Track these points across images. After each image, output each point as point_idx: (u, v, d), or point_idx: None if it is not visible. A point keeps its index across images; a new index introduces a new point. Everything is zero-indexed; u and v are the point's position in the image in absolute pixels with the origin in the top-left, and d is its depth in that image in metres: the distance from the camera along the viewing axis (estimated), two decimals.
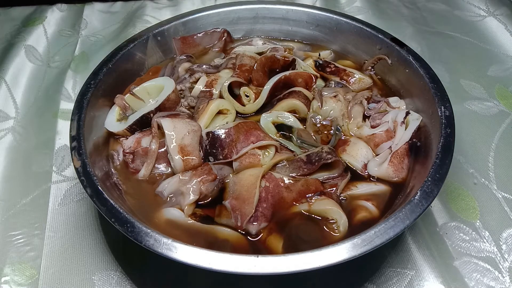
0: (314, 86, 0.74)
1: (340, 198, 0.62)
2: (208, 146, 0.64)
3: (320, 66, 0.79)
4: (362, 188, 0.63)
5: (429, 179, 0.55)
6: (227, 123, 0.68)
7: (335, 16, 0.83)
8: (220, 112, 0.70)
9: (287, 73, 0.74)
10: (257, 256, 0.48)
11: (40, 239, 0.67)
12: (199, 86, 0.74)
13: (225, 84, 0.72)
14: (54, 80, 0.93)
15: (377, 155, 0.66)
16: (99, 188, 0.56)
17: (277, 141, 0.65)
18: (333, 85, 0.75)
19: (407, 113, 0.68)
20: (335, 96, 0.70)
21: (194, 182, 0.60)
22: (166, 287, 0.62)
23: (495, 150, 0.78)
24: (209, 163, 0.63)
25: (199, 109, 0.70)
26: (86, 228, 0.68)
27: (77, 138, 0.62)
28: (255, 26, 0.89)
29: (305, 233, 0.58)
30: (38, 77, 0.94)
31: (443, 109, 0.63)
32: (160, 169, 0.65)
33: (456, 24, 1.07)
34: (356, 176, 0.65)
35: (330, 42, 0.86)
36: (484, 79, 0.92)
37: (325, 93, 0.71)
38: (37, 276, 0.63)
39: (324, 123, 0.69)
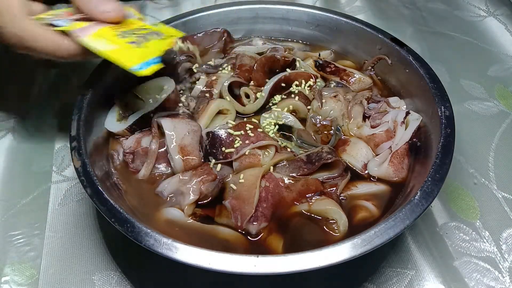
0: (314, 86, 0.74)
1: (340, 198, 0.62)
2: (208, 146, 0.64)
3: (320, 66, 0.79)
4: (362, 188, 0.63)
5: (429, 179, 0.55)
6: (227, 123, 0.68)
7: (335, 16, 0.83)
8: (220, 112, 0.70)
9: (287, 73, 0.74)
10: (257, 256, 0.48)
11: (40, 239, 0.67)
12: (199, 86, 0.74)
13: (225, 84, 0.72)
14: (54, 80, 0.93)
15: (377, 155, 0.67)
16: (99, 188, 0.56)
17: (277, 141, 0.66)
18: (333, 85, 0.75)
19: (407, 113, 0.68)
20: (335, 96, 0.70)
21: (194, 182, 0.60)
22: (166, 287, 0.62)
23: (495, 150, 0.78)
24: (209, 163, 0.63)
25: (199, 109, 0.70)
26: (86, 228, 0.68)
27: (77, 138, 0.61)
28: (255, 26, 0.88)
29: (305, 233, 0.59)
30: (38, 78, 0.94)
31: (443, 109, 0.63)
32: (160, 169, 0.65)
33: (456, 24, 1.07)
34: (356, 176, 0.65)
35: (330, 42, 0.86)
36: (484, 79, 0.92)
37: (325, 93, 0.71)
38: (37, 276, 0.63)
39: (324, 123, 0.68)
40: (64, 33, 0.58)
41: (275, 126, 0.69)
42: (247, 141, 0.63)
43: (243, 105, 0.72)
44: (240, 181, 0.60)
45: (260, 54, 0.80)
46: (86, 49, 0.58)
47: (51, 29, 0.59)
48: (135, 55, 0.58)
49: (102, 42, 0.58)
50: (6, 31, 0.58)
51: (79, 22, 0.59)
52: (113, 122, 0.70)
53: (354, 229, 0.57)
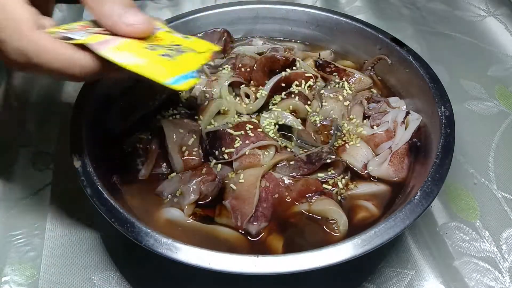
0: (314, 86, 0.74)
1: (340, 198, 0.62)
2: (208, 146, 0.64)
3: (320, 66, 0.79)
4: (362, 188, 0.63)
5: (429, 179, 0.55)
6: (227, 123, 0.68)
7: (335, 16, 0.83)
8: (220, 112, 0.70)
9: (287, 73, 0.74)
10: (257, 256, 0.48)
11: (40, 239, 0.67)
12: (199, 86, 0.74)
13: (225, 84, 0.72)
14: (55, 80, 0.93)
15: (377, 155, 0.66)
16: (99, 188, 0.56)
17: (277, 141, 0.65)
18: (333, 85, 0.75)
19: (407, 113, 0.68)
20: (335, 96, 0.70)
21: (194, 182, 0.60)
22: (166, 287, 0.62)
23: (495, 150, 0.78)
24: (209, 163, 0.63)
25: (199, 109, 0.70)
26: (86, 228, 0.68)
27: (77, 138, 0.61)
28: (255, 26, 0.88)
29: (305, 233, 0.59)
30: (38, 77, 0.94)
31: (443, 109, 0.63)
32: (160, 169, 0.65)
33: (456, 24, 1.07)
34: (356, 176, 0.65)
35: (330, 42, 0.86)
36: (484, 79, 0.92)
37: (325, 93, 0.71)
38: (37, 276, 0.63)
39: (324, 123, 0.68)
40: (79, 46, 0.47)
41: (275, 126, 0.69)
42: (247, 141, 0.63)
43: (243, 105, 0.72)
44: (240, 181, 0.60)
45: (260, 54, 0.80)
46: (105, 64, 0.47)
47: (62, 42, 0.47)
48: (169, 68, 0.47)
49: (128, 55, 0.47)
50: (8, 46, 0.46)
51: (98, 35, 0.48)
52: (113, 122, 0.70)
53: (354, 229, 0.57)
